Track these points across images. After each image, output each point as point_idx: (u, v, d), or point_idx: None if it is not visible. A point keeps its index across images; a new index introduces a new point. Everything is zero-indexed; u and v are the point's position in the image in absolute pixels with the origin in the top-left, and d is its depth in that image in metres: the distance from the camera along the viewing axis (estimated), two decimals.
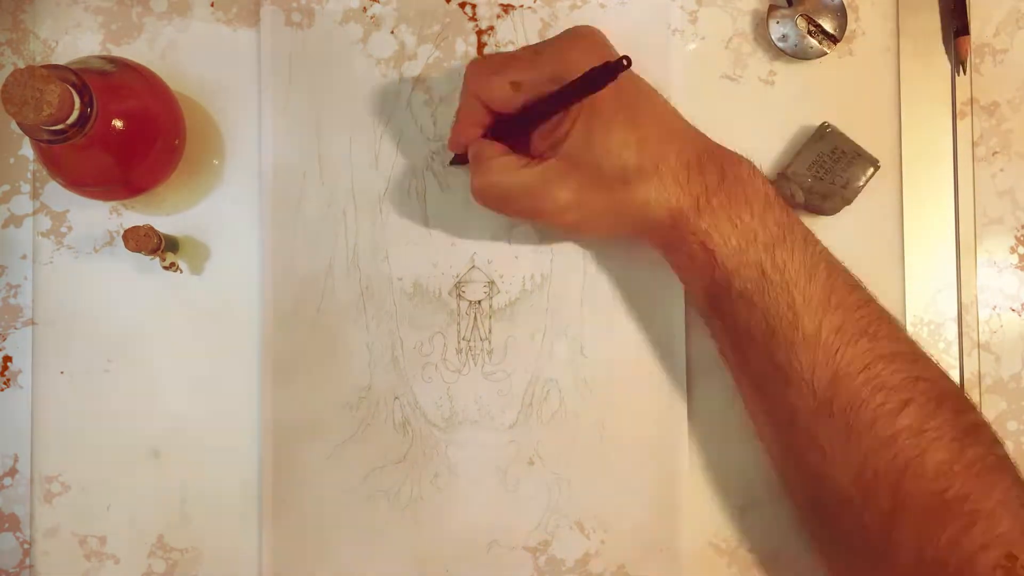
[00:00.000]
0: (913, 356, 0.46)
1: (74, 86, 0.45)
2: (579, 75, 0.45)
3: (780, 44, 0.54)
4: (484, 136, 0.51)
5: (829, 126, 0.53)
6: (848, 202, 0.53)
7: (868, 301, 0.47)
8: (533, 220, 0.51)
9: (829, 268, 0.47)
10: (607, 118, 0.47)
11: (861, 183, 0.53)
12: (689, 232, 0.47)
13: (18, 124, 0.45)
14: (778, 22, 0.54)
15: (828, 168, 0.52)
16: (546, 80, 0.47)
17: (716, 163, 0.48)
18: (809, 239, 0.47)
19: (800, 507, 0.50)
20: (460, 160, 0.54)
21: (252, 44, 0.56)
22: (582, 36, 0.48)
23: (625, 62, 0.43)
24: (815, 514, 0.48)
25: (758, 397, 0.49)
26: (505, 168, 0.49)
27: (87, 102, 0.46)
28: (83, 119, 0.46)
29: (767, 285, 0.46)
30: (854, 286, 0.47)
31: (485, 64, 0.50)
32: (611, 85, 0.44)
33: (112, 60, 0.52)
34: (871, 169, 0.53)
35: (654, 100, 0.49)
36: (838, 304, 0.46)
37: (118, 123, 0.49)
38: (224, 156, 0.56)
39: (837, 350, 0.45)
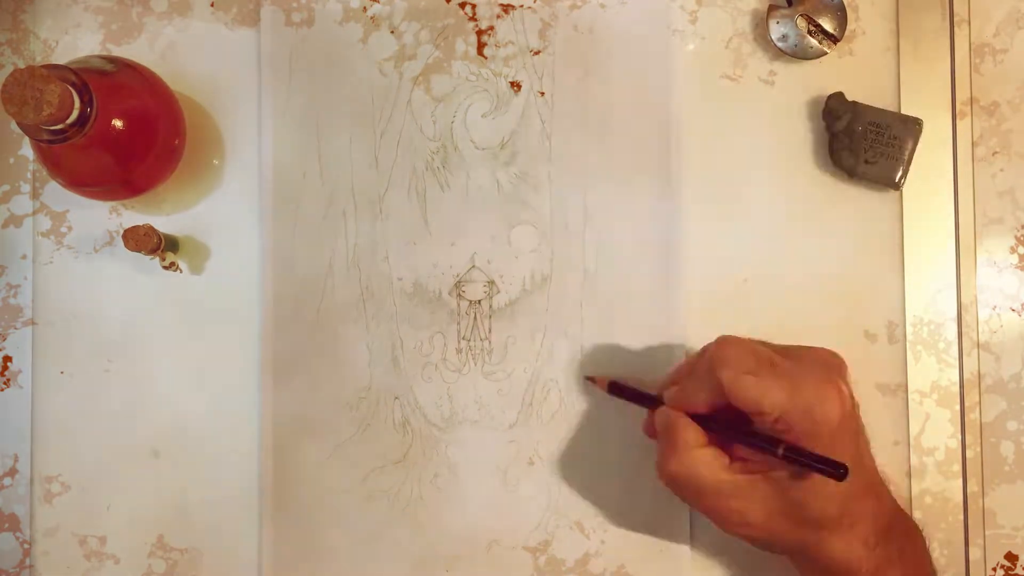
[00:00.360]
0: None
1: (74, 86, 0.45)
2: (812, 454, 0.44)
3: (780, 44, 0.54)
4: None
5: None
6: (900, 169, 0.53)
7: None
8: (709, 518, 0.48)
9: None
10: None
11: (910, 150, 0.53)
12: None
13: (18, 124, 0.45)
14: (778, 22, 0.54)
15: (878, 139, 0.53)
16: (797, 409, 0.44)
17: (899, 535, 0.48)
18: None
19: None
20: (629, 396, 0.52)
21: (252, 44, 0.56)
22: (841, 376, 0.46)
23: (841, 471, 0.43)
24: None
25: None
26: (707, 464, 0.46)
27: (87, 102, 0.46)
28: (83, 119, 0.46)
29: None
30: None
31: (745, 358, 0.46)
32: (851, 432, 0.45)
33: (112, 60, 0.52)
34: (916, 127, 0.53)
35: (869, 454, 0.48)
36: None
37: (118, 123, 0.49)
38: (224, 156, 0.56)
39: None
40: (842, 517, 0.46)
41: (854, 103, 0.53)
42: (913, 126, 0.53)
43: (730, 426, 0.47)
